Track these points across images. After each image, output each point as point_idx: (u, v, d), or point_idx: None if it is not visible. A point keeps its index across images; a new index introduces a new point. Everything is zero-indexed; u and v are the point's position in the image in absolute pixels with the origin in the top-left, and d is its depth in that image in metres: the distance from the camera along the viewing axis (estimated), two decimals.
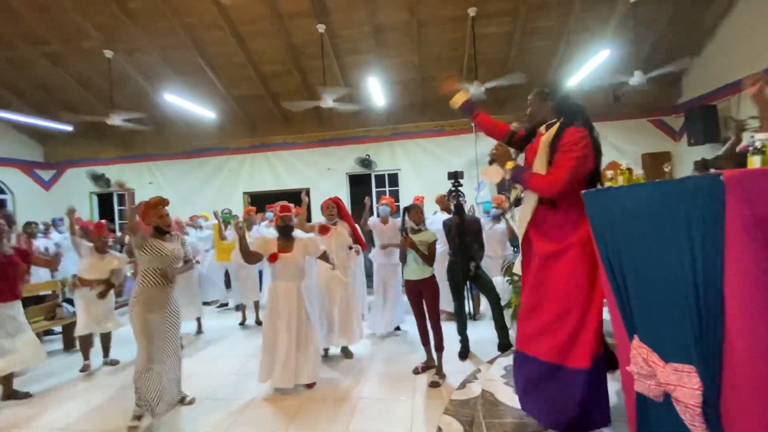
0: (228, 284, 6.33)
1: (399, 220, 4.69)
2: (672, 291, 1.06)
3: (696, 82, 6.47)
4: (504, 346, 3.65)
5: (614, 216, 1.31)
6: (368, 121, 7.86)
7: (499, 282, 4.26)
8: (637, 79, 5.27)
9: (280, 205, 3.37)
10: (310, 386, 3.25)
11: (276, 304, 3.18)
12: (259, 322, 5.14)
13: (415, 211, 3.44)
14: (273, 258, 3.16)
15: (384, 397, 3.10)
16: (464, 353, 3.75)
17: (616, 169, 1.55)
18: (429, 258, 3.33)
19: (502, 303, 3.85)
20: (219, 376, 3.62)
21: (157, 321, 2.75)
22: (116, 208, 9.07)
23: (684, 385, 1.06)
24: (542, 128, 2.02)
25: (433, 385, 3.21)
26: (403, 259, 3.43)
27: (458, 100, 2.33)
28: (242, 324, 5.22)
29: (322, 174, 8.16)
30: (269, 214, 6.24)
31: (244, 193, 8.46)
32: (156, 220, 2.85)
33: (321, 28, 5.91)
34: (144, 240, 2.76)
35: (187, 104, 6.35)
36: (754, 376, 0.84)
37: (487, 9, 5.69)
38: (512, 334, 3.77)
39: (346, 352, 3.95)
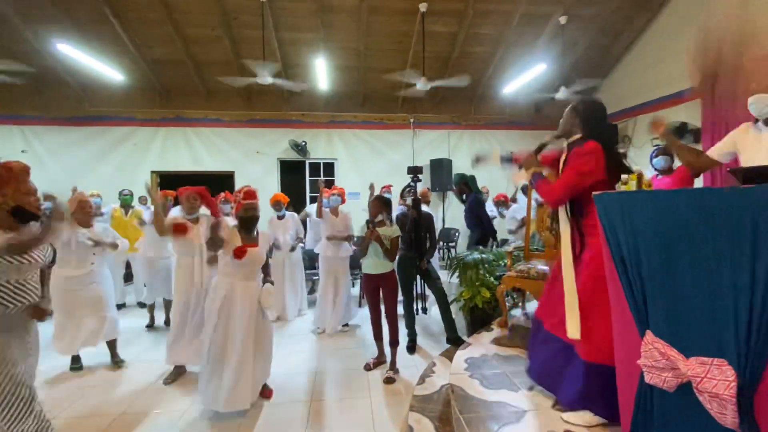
0: (127, 279, 5.38)
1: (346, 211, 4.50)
2: (712, 294, 1.13)
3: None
4: (453, 339, 3.73)
5: (637, 219, 1.37)
6: (304, 105, 7.42)
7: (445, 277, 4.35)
8: (562, 94, 5.86)
9: (245, 191, 2.75)
10: (267, 395, 2.89)
11: (231, 308, 2.61)
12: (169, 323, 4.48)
13: (376, 203, 3.31)
14: (240, 253, 2.58)
15: (342, 397, 2.94)
16: (412, 347, 3.75)
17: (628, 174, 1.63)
18: (392, 253, 3.24)
19: (449, 298, 3.93)
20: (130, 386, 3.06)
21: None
22: None
23: (714, 377, 1.15)
24: (565, 144, 2.10)
25: (388, 381, 3.14)
26: (364, 251, 3.28)
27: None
28: (150, 326, 4.42)
29: (249, 157, 7.47)
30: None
31: (153, 172, 7.33)
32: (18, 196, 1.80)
33: None
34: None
35: (87, 59, 5.18)
36: None
37: (436, 7, 5.76)
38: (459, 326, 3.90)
39: None
